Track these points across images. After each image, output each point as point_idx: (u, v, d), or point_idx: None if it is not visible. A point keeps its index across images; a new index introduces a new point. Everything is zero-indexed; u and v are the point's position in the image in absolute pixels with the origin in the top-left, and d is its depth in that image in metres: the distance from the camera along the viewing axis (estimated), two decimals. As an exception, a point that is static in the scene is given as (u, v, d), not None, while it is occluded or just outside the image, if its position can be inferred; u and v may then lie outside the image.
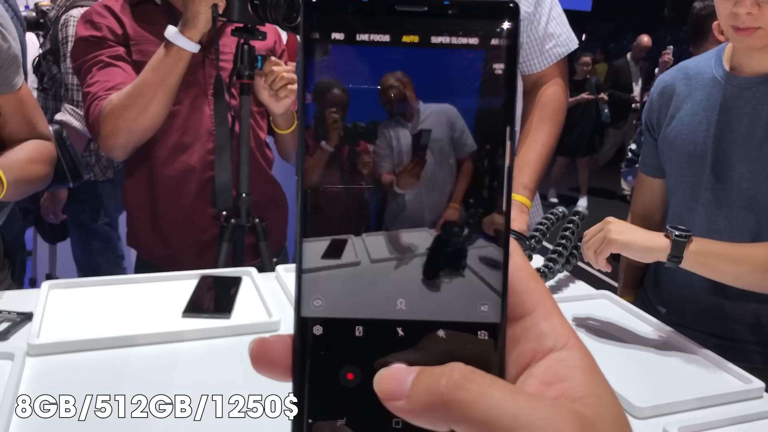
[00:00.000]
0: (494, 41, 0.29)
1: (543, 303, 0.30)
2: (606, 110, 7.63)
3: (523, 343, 0.30)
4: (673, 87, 1.42)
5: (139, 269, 1.73)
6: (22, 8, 2.46)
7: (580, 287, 1.42)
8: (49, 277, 2.97)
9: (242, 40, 1.46)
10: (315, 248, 0.30)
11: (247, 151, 1.53)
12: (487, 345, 0.29)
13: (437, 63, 0.29)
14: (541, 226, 1.43)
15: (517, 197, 1.52)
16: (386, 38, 0.29)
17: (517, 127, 1.62)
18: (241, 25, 1.44)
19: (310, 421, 0.29)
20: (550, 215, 1.44)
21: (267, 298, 1.21)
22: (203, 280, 1.31)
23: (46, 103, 2.37)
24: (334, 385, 0.29)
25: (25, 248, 2.40)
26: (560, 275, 1.43)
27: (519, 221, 1.50)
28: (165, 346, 1.04)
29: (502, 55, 0.29)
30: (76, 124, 2.27)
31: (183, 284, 1.29)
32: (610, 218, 1.21)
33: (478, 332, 0.29)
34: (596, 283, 1.46)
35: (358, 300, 0.30)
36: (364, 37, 0.29)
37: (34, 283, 2.96)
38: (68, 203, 2.47)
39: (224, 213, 1.54)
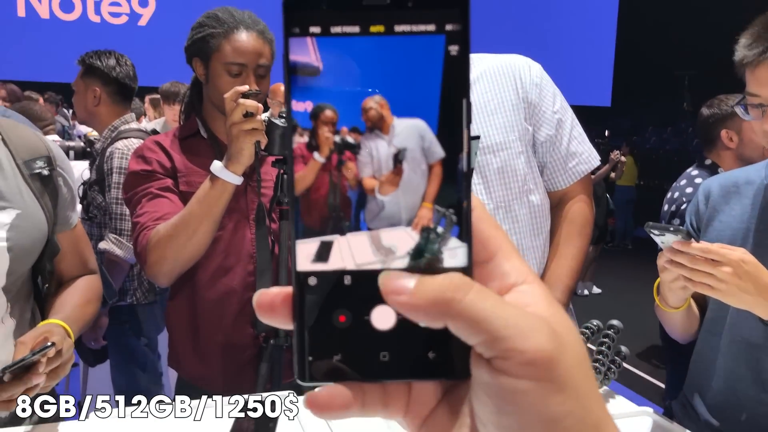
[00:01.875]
0: (449, 26, 0.34)
1: (503, 246, 0.35)
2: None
3: (490, 282, 0.34)
4: (720, 192, 1.46)
5: (179, 389, 1.76)
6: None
7: (620, 404, 1.40)
8: (80, 405, 3.00)
9: (282, 171, 1.55)
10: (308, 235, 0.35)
11: (286, 274, 1.59)
12: None
13: (401, 49, 0.34)
14: (576, 342, 1.43)
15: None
16: (356, 29, 0.34)
17: (535, 192, 1.65)
18: (281, 157, 1.54)
19: (310, 358, 0.34)
20: (585, 330, 1.45)
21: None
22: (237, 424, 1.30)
23: (90, 230, 2.48)
24: (329, 327, 0.34)
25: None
26: (600, 390, 1.42)
27: (554, 336, 1.51)
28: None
29: (457, 38, 0.34)
30: (118, 252, 2.38)
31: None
32: (746, 259, 1.19)
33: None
34: (638, 386, 1.44)
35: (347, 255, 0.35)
36: (337, 29, 0.34)
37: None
38: (109, 326, 2.54)
39: (263, 333, 1.58)
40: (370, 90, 0.35)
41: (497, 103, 1.59)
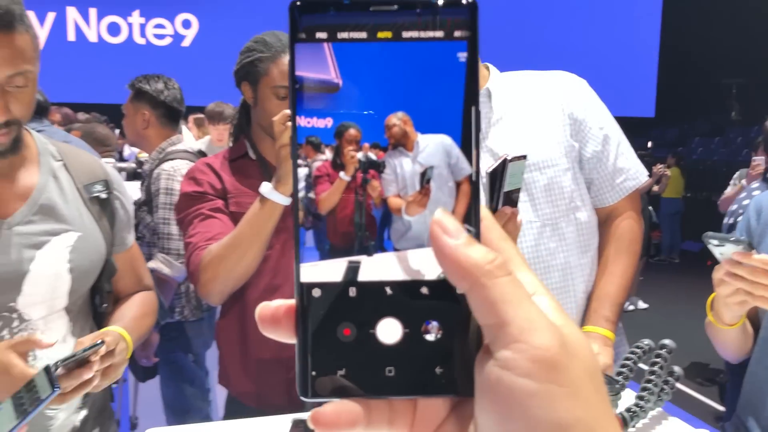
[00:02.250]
0: (457, 33, 0.33)
1: (513, 259, 0.34)
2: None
3: None
4: None
5: (228, 406, 1.79)
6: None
7: (675, 426, 1.37)
8: (131, 420, 3.07)
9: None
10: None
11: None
12: (464, 299, 0.32)
13: (409, 55, 0.34)
14: (627, 362, 1.41)
15: (600, 330, 1.52)
16: (363, 35, 0.33)
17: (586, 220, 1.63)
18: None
19: (314, 374, 0.33)
20: (636, 349, 1.42)
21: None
22: (296, 424, 1.34)
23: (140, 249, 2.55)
24: (333, 341, 0.33)
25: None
26: (653, 412, 1.39)
27: (604, 355, 1.48)
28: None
29: (466, 44, 0.33)
30: (166, 271, 2.44)
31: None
32: None
33: (457, 288, 0.33)
34: (690, 406, 1.40)
35: (351, 266, 0.34)
36: (344, 35, 0.33)
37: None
38: (158, 342, 2.60)
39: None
40: (390, 104, 0.34)
41: (542, 120, 1.58)
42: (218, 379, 1.80)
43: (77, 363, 1.12)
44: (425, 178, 0.34)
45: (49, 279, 1.26)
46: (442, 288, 0.33)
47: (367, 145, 0.34)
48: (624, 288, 1.57)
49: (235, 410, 1.73)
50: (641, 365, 1.42)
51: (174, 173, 2.46)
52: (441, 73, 0.34)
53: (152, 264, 2.44)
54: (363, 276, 0.33)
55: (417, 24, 0.33)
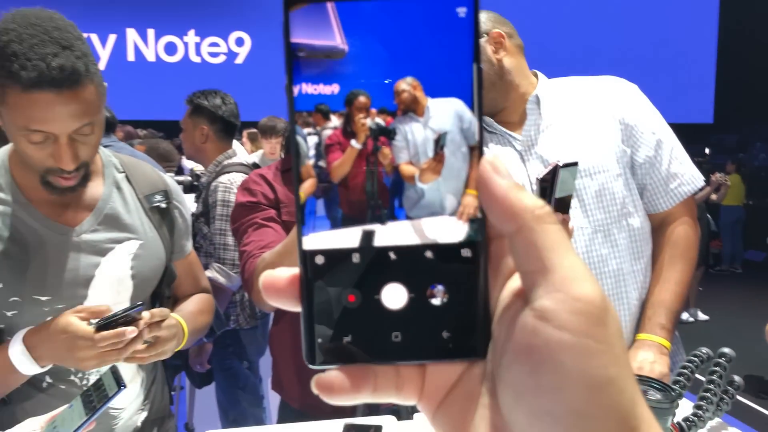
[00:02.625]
0: None
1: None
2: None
3: (505, 257, 0.33)
4: None
5: (281, 411, 1.83)
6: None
7: (735, 436, 1.33)
8: (187, 427, 3.15)
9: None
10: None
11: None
12: (472, 261, 0.32)
13: (412, 14, 0.32)
14: (684, 370, 1.38)
15: (655, 338, 1.49)
16: None
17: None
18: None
19: (319, 341, 0.32)
20: (693, 357, 1.39)
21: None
22: (347, 429, 1.36)
23: (197, 259, 2.64)
24: (338, 308, 0.32)
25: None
26: (711, 422, 1.35)
27: (660, 363, 1.45)
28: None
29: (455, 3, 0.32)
30: (222, 280, 2.50)
31: (327, 434, 1.34)
32: None
33: (462, 250, 0.33)
34: (752, 419, 1.36)
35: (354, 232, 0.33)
36: None
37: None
38: (214, 349, 2.67)
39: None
40: (398, 68, 0.33)
41: (593, 126, 1.57)
42: (271, 385, 1.84)
43: (120, 325, 1.16)
44: (439, 144, 0.34)
45: (112, 284, 1.32)
46: (447, 251, 0.33)
47: (374, 111, 0.33)
48: (679, 295, 1.54)
49: (287, 416, 1.76)
50: (699, 376, 1.39)
51: (230, 185, 2.53)
52: (445, 33, 0.32)
53: (208, 273, 2.51)
54: (367, 242, 0.33)
55: None
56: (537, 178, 1.26)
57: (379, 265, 0.32)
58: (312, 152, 0.34)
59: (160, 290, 1.46)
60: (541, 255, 0.30)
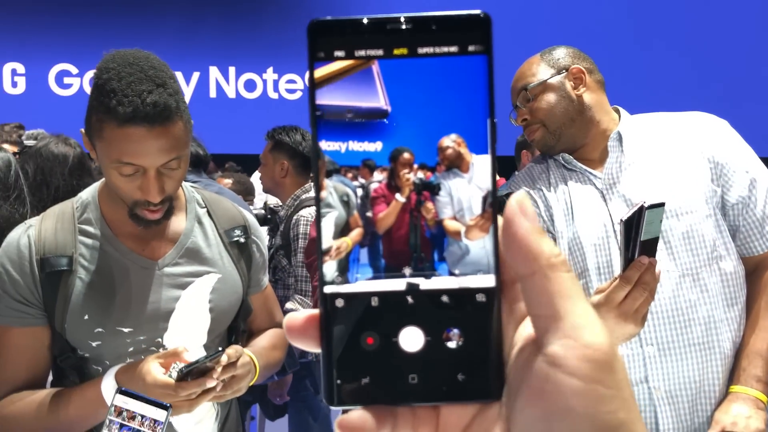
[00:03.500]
0: (471, 47, 0.33)
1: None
2: None
3: (519, 301, 0.33)
4: None
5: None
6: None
7: None
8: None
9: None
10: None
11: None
12: (486, 305, 0.33)
13: (425, 71, 0.33)
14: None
15: (751, 392, 1.40)
16: (380, 52, 0.33)
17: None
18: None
19: (338, 381, 0.33)
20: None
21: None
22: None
23: (275, 291, 2.68)
24: (357, 350, 0.33)
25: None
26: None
27: (756, 418, 1.36)
28: None
29: (480, 59, 0.33)
30: (302, 311, 2.54)
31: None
32: None
33: (477, 295, 0.33)
34: None
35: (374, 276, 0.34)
36: (361, 52, 0.33)
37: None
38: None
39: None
40: (441, 125, 0.34)
41: (679, 164, 1.51)
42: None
43: (200, 372, 1.19)
44: (488, 202, 0.34)
45: (191, 317, 1.36)
46: (463, 295, 0.34)
47: (416, 167, 0.35)
48: None
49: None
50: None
51: (312, 219, 2.59)
52: (474, 89, 0.34)
53: (290, 305, 2.56)
54: (384, 286, 0.34)
55: (449, 38, 0.34)
56: (621, 220, 1.22)
57: (397, 308, 0.33)
58: (358, 203, 0.36)
59: (236, 324, 1.49)
60: (552, 301, 0.31)
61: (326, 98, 0.34)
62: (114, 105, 1.16)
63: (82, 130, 1.29)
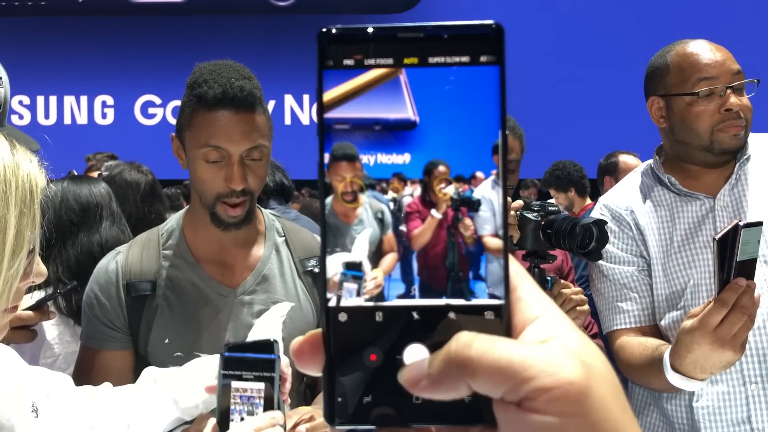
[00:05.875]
0: (483, 58, 0.32)
1: (523, 280, 0.33)
2: None
3: (514, 314, 0.33)
4: None
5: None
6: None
7: None
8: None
9: (533, 264, 1.54)
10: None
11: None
12: (494, 323, 0.32)
13: (436, 81, 0.32)
14: None
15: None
16: (390, 61, 0.32)
17: None
18: (534, 250, 1.53)
19: (339, 399, 0.32)
20: None
21: None
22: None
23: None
24: (360, 366, 0.32)
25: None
26: None
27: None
28: None
29: (491, 69, 0.32)
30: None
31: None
32: None
33: (485, 312, 0.32)
34: None
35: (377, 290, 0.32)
36: (371, 62, 0.32)
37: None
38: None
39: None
40: (451, 135, 0.33)
41: None
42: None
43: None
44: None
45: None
46: (469, 312, 0.32)
47: (453, 181, 0.33)
48: None
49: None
50: None
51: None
52: (485, 100, 0.33)
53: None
54: (389, 301, 0.33)
55: (460, 48, 0.33)
56: (714, 239, 1.15)
57: (401, 325, 0.32)
58: (390, 218, 0.34)
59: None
60: (500, 378, 0.30)
61: (335, 110, 0.33)
62: (205, 90, 1.25)
63: (173, 134, 1.36)
